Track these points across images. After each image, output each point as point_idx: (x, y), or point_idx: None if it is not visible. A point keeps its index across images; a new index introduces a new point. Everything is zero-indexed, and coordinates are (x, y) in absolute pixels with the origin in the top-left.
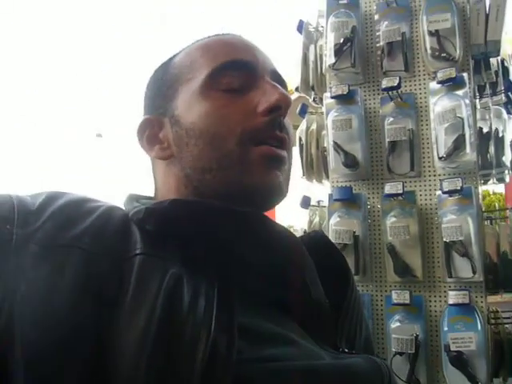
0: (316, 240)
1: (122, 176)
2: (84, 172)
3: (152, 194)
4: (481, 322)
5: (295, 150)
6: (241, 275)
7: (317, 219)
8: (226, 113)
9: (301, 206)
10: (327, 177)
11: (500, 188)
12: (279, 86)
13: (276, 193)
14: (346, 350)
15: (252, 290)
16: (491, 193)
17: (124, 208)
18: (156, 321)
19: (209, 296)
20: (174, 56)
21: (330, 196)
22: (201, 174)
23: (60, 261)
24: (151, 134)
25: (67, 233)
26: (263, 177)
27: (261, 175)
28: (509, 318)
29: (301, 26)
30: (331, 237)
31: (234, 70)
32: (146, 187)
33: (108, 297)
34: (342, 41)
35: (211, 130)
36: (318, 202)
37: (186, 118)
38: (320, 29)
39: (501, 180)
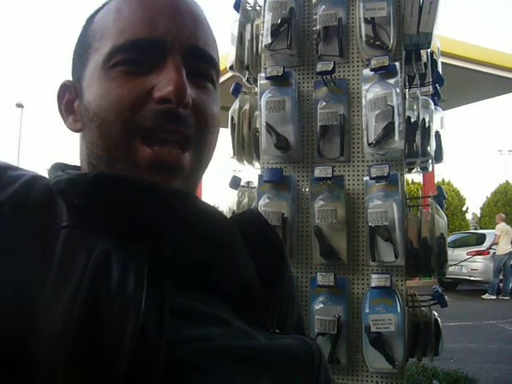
0: (251, 218)
1: (45, 147)
2: (4, 141)
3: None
4: (400, 305)
5: (226, 131)
6: (170, 254)
7: (246, 200)
8: (120, 94)
9: (230, 186)
10: (258, 158)
11: (419, 177)
12: (181, 74)
13: None
14: (277, 331)
15: (181, 269)
16: (410, 182)
17: (48, 177)
18: (81, 298)
19: (139, 273)
20: (99, 10)
21: (260, 177)
22: (96, 159)
23: None
24: (69, 100)
25: None
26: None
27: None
28: (425, 301)
29: (238, 4)
30: None
31: (136, 51)
32: (70, 158)
33: (29, 271)
34: (279, 21)
35: (102, 114)
36: (248, 182)
37: (86, 95)
38: (257, 8)
39: (424, 169)
